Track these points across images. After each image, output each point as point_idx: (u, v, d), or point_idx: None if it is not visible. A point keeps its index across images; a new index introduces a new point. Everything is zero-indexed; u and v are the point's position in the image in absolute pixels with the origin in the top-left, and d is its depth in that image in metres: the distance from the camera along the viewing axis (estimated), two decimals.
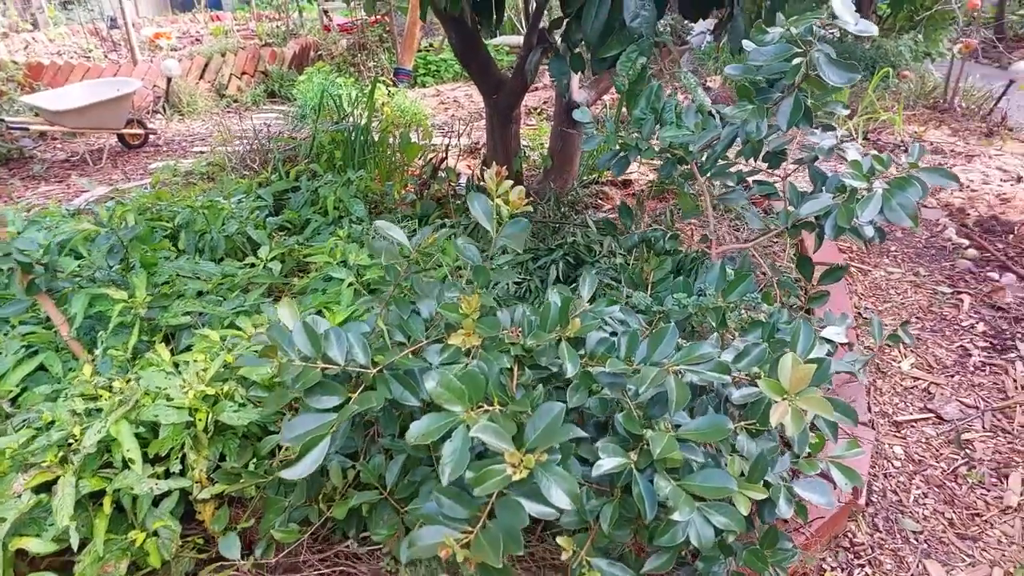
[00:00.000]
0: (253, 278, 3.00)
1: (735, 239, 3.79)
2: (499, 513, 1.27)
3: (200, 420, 2.08)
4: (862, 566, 2.20)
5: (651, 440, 1.34)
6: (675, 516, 1.29)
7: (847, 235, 1.88)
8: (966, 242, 4.00)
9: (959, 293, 3.57)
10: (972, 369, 3.03)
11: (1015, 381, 2.92)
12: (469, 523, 1.29)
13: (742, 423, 1.54)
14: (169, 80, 7.49)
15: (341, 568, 1.98)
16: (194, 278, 2.85)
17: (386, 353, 1.58)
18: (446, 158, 4.52)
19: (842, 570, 2.19)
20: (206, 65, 8.34)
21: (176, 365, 2.27)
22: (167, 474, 2.05)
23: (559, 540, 1.40)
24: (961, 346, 3.17)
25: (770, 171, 2.18)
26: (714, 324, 1.80)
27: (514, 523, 1.24)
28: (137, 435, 2.04)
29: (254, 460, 2.12)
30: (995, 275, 3.66)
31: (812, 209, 1.81)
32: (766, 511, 1.66)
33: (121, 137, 6.14)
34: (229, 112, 7.99)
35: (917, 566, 2.20)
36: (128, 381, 2.16)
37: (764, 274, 2.89)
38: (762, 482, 1.44)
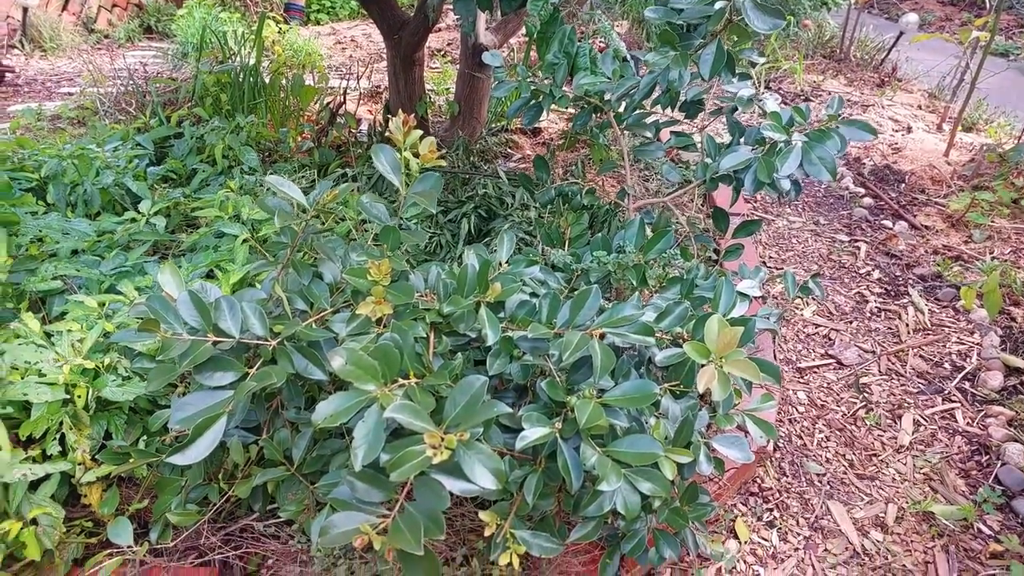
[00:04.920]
0: (134, 235, 2.73)
1: (645, 191, 3.77)
2: (418, 495, 1.18)
3: (79, 397, 1.87)
4: (771, 510, 2.28)
5: (577, 408, 1.27)
6: (603, 487, 1.24)
7: (764, 189, 1.86)
8: (862, 191, 4.16)
9: (856, 241, 3.71)
10: (869, 315, 3.17)
11: (907, 325, 3.08)
12: (386, 506, 1.19)
13: (666, 385, 1.51)
14: (25, 10, 6.68)
15: (248, 548, 1.85)
16: (65, 236, 2.55)
17: (286, 323, 1.44)
18: (344, 103, 4.25)
19: (753, 515, 2.26)
20: None
21: (48, 336, 2.03)
22: (44, 456, 1.85)
23: (482, 515, 1.33)
24: (858, 292, 3.31)
25: (686, 121, 2.13)
26: (634, 282, 1.75)
27: (435, 505, 1.15)
28: (4, 416, 1.82)
29: (144, 438, 1.94)
30: (888, 223, 3.83)
31: (732, 163, 1.77)
32: (686, 469, 1.65)
33: None
34: (99, 49, 7.25)
35: (821, 507, 2.29)
36: None
37: (679, 229, 2.88)
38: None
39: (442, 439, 1.07)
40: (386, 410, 1.10)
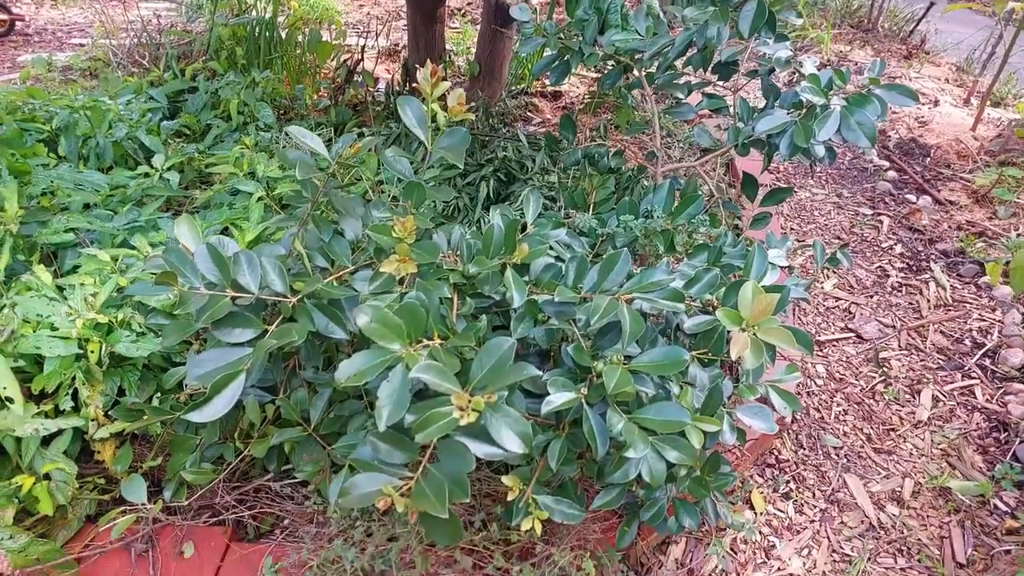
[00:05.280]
0: (147, 190, 2.68)
1: (667, 158, 3.69)
2: (442, 457, 1.16)
3: (92, 352, 1.85)
4: (787, 482, 2.26)
5: (604, 374, 1.24)
6: (629, 453, 1.21)
7: (797, 156, 1.79)
8: (886, 164, 4.07)
9: (879, 215, 3.64)
10: (890, 289, 3.11)
11: (928, 301, 3.02)
12: (409, 468, 1.17)
13: (694, 353, 1.47)
14: None
15: (263, 509, 1.84)
16: (77, 188, 2.51)
17: (307, 280, 1.40)
18: (362, 60, 4.17)
19: (768, 486, 2.24)
20: None
21: (60, 289, 2.00)
22: (57, 412, 1.83)
23: (505, 480, 1.30)
24: (880, 267, 3.25)
25: (719, 84, 2.05)
26: (662, 248, 1.70)
27: (460, 468, 1.13)
28: (17, 370, 1.80)
29: (158, 395, 1.92)
30: (912, 197, 3.75)
31: (768, 126, 1.71)
32: (708, 439, 1.62)
33: None
34: (112, 0, 7.13)
35: (838, 480, 2.27)
36: (2, 308, 1.89)
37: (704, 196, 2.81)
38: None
39: (469, 401, 1.03)
40: (412, 370, 1.06)
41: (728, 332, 1.49)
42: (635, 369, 1.30)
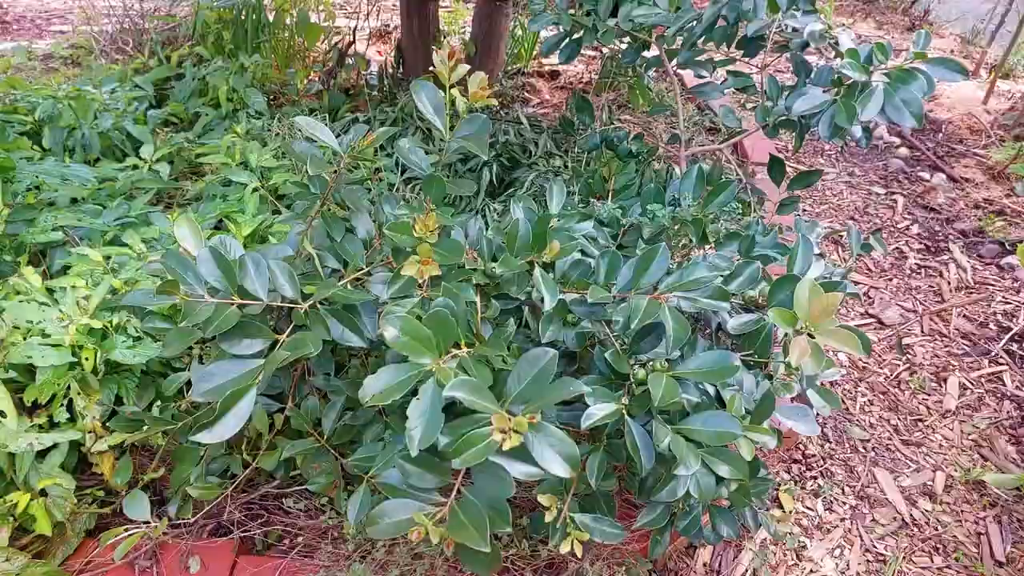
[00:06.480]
0: (137, 182, 2.55)
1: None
2: (477, 480, 1.06)
3: (87, 359, 1.73)
4: (814, 478, 2.17)
5: (650, 383, 1.13)
6: (680, 471, 1.11)
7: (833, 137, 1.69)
8: (897, 141, 3.96)
9: (893, 194, 3.54)
10: (909, 272, 3.02)
11: (949, 283, 2.94)
12: (441, 492, 1.07)
13: (739, 355, 1.37)
14: None
15: (273, 524, 1.74)
16: (64, 183, 2.38)
17: (319, 284, 1.29)
18: (353, 42, 4.01)
19: (795, 483, 2.16)
20: None
21: (51, 292, 1.88)
22: (52, 423, 1.72)
23: (540, 499, 1.20)
24: (897, 248, 3.16)
25: (743, 60, 1.94)
26: (694, 239, 1.59)
27: (498, 492, 1.03)
28: (8, 381, 1.69)
29: (158, 403, 1.81)
30: (926, 175, 3.65)
31: (805, 106, 1.60)
32: None
33: None
34: None
35: (867, 474, 2.19)
36: None
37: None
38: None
39: (510, 425, 0.93)
40: (445, 388, 0.96)
41: (775, 330, 1.39)
42: (680, 376, 1.20)
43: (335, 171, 1.37)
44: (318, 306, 1.27)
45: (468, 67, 1.30)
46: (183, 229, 1.34)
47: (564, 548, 1.17)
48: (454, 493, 1.04)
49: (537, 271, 1.28)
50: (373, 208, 1.56)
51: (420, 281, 1.22)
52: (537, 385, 1.01)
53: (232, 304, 1.22)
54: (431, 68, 1.32)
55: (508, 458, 1.02)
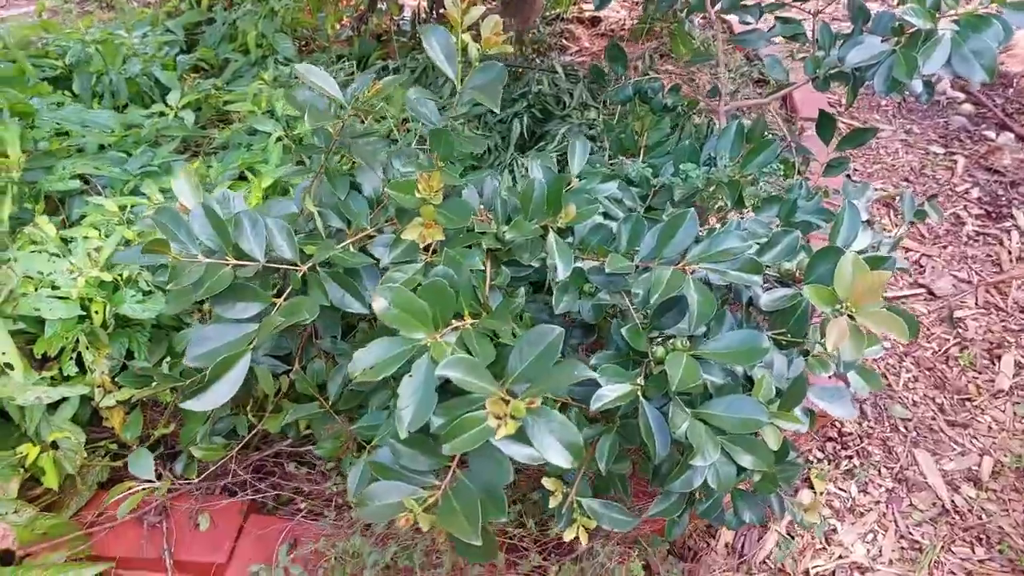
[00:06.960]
0: (162, 129, 2.50)
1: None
2: (473, 464, 0.98)
3: (96, 313, 1.70)
4: (850, 457, 2.06)
5: (668, 364, 1.04)
6: (696, 461, 1.02)
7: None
8: (961, 96, 3.68)
9: (953, 154, 3.29)
10: (965, 239, 2.82)
11: (1010, 253, 2.73)
12: (436, 475, 1.00)
13: (769, 333, 1.26)
14: None
15: (282, 485, 1.71)
16: (85, 129, 2.34)
17: (319, 244, 1.21)
18: None
19: (829, 462, 2.05)
20: None
21: (66, 242, 1.85)
22: (62, 376, 1.71)
23: (545, 482, 1.13)
24: (954, 213, 2.95)
25: (795, 5, 1.76)
26: (729, 203, 1.46)
27: (495, 479, 0.95)
28: (19, 332, 1.67)
29: (168, 359, 1.78)
30: (991, 134, 3.39)
31: (861, 57, 1.44)
32: None
33: None
34: None
35: (906, 456, 2.07)
36: (6, 263, 1.75)
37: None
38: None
39: (508, 410, 0.85)
40: (439, 366, 0.87)
41: (811, 307, 1.27)
42: (703, 356, 1.10)
43: (340, 122, 1.28)
44: (317, 268, 1.19)
45: (482, 9, 1.18)
46: (181, 182, 1.27)
47: (569, 535, 1.10)
48: (449, 477, 0.97)
49: (551, 237, 1.18)
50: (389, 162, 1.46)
51: (423, 245, 1.13)
52: (540, 365, 0.91)
53: (226, 265, 1.15)
54: None
55: (508, 440, 0.94)
